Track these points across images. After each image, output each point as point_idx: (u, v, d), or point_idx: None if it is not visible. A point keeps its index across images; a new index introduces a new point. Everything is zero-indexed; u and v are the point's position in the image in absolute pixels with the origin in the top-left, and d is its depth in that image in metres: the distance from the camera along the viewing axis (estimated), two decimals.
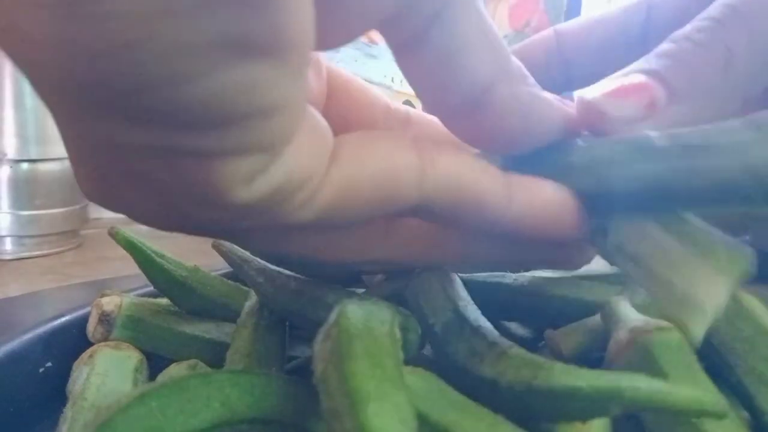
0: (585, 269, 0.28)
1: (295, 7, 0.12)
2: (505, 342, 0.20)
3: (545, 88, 0.19)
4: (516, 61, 0.18)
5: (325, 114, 0.18)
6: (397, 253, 0.21)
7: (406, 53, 0.17)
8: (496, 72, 0.17)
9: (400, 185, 0.17)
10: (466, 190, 0.18)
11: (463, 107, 0.18)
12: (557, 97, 0.20)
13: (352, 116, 0.22)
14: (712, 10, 0.21)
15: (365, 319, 0.18)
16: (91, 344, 0.27)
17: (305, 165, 0.15)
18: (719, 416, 0.16)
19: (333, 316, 0.18)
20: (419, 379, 0.19)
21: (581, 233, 0.20)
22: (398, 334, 0.18)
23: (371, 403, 0.15)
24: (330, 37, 0.15)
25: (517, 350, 0.19)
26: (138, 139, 0.13)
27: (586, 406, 0.16)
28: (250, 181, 0.14)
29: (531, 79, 0.19)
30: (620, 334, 0.21)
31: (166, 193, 0.15)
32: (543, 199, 0.19)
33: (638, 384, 0.15)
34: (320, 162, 0.16)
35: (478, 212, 0.18)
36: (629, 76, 0.20)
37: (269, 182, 0.15)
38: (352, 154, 0.16)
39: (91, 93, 0.12)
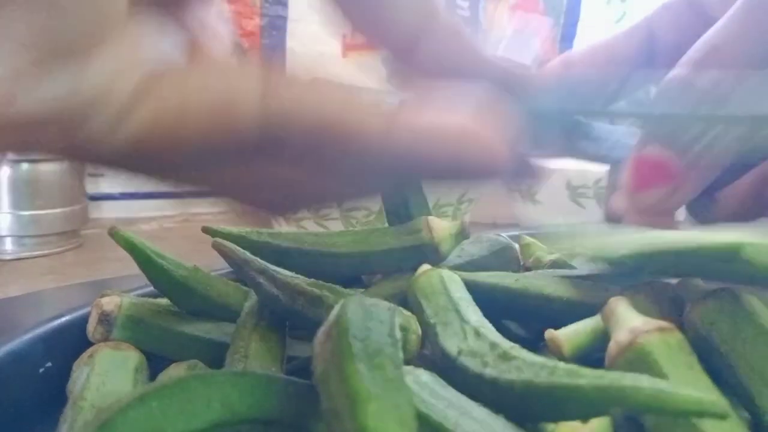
0: (586, 270, 0.28)
1: None
2: (505, 342, 0.20)
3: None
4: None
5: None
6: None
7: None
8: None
9: (234, 112, 0.15)
10: (322, 118, 0.15)
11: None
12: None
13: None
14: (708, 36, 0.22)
15: (365, 319, 0.18)
16: (91, 344, 0.27)
17: (99, 79, 0.14)
18: (720, 417, 0.16)
19: (333, 316, 0.18)
20: (419, 379, 0.19)
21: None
22: (398, 334, 0.18)
23: (371, 403, 0.15)
24: None
25: (518, 350, 0.19)
26: None
27: (587, 405, 0.16)
28: (35, 86, 0.13)
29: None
30: (620, 335, 0.21)
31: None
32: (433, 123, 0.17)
33: (639, 384, 0.15)
34: (122, 81, 0.14)
35: (342, 143, 0.16)
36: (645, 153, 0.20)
37: (55, 88, 0.13)
38: (178, 74, 0.15)
39: None
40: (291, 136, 0.15)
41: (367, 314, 0.18)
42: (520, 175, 0.23)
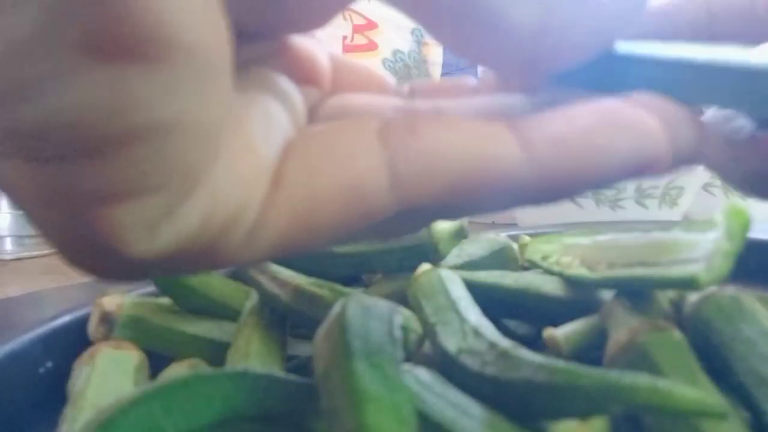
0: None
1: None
2: (505, 341, 0.20)
3: None
4: None
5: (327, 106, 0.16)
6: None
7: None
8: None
9: (366, 194, 0.13)
10: (459, 171, 0.13)
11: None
12: None
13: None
14: None
15: (365, 318, 0.18)
16: (91, 344, 0.27)
17: (232, 199, 0.12)
18: (720, 417, 0.16)
19: (333, 315, 0.18)
20: (419, 379, 0.19)
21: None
22: (398, 333, 0.18)
23: (371, 402, 0.15)
24: (306, 16, 0.12)
25: (517, 349, 0.19)
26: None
27: (587, 404, 0.16)
28: (153, 230, 0.11)
29: None
30: (619, 334, 0.21)
31: (63, 243, 0.12)
32: (575, 132, 0.13)
33: (639, 383, 0.16)
34: (254, 189, 0.12)
35: (482, 190, 0.13)
36: None
37: (181, 229, 0.11)
38: (298, 170, 0.13)
39: None
40: (427, 200, 0.13)
41: (366, 313, 0.18)
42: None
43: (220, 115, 0.11)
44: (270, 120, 0.14)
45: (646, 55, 0.15)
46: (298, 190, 0.13)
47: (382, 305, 0.19)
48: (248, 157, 0.12)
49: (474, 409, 0.18)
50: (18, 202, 0.12)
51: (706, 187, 0.69)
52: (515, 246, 0.32)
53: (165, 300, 0.30)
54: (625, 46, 0.16)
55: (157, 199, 0.11)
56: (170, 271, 0.13)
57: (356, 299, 0.19)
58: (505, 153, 0.13)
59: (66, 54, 0.09)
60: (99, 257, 0.12)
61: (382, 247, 0.30)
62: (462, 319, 0.22)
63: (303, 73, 0.17)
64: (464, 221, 0.31)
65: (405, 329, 0.20)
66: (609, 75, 0.15)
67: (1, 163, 0.11)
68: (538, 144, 0.13)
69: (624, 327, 0.21)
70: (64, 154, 0.10)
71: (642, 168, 0.14)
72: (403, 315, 0.21)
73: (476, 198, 0.13)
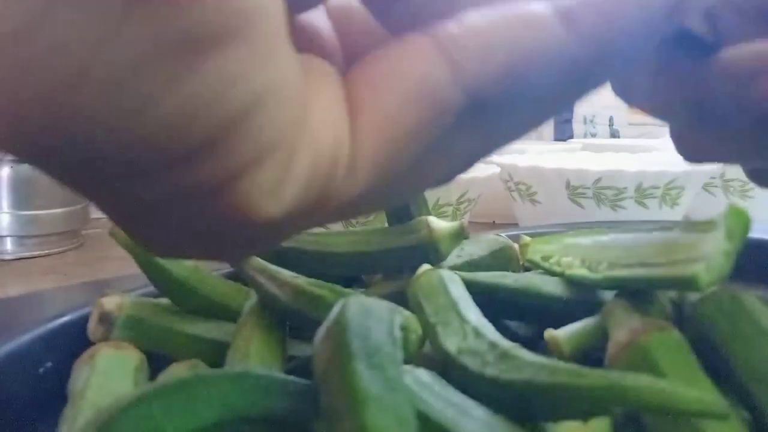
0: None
1: None
2: (505, 342, 0.20)
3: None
4: None
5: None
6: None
7: None
8: None
9: (437, 91, 0.13)
10: (509, 48, 0.14)
11: None
12: None
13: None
14: None
15: (365, 319, 0.18)
16: (91, 344, 0.27)
17: (327, 136, 0.13)
18: (721, 417, 0.16)
19: (333, 316, 0.18)
20: (419, 379, 0.19)
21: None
22: (398, 333, 0.18)
23: (371, 403, 0.15)
24: None
25: (518, 350, 0.19)
26: (134, 190, 0.11)
27: (588, 405, 0.16)
28: (277, 190, 0.12)
29: None
30: (620, 335, 0.21)
31: (203, 234, 0.13)
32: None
33: (640, 384, 0.16)
34: (341, 122, 0.13)
35: (535, 65, 0.14)
36: None
37: (299, 179, 0.12)
38: (367, 94, 0.14)
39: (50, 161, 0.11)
40: (487, 83, 0.14)
41: (366, 314, 0.18)
42: None
43: (297, 69, 0.12)
44: (319, 63, 0.14)
45: None
46: (375, 111, 0.13)
47: (382, 306, 0.19)
48: (324, 98, 0.13)
49: (474, 409, 0.18)
50: (134, 219, 0.13)
51: (706, 187, 0.70)
52: (516, 246, 0.32)
53: (165, 300, 0.30)
54: None
55: (274, 160, 0.12)
56: (295, 229, 0.14)
57: (356, 300, 0.19)
58: (546, 22, 0.14)
59: (172, 56, 0.10)
60: (235, 235, 0.13)
61: (382, 247, 0.30)
62: (462, 320, 0.22)
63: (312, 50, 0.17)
64: (464, 221, 0.31)
65: (405, 330, 0.20)
66: None
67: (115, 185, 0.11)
68: (581, 19, 0.14)
69: (625, 327, 0.21)
70: (187, 153, 0.11)
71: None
72: (402, 315, 0.21)
73: (530, 74, 0.14)
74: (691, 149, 0.23)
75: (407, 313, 0.22)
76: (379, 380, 0.16)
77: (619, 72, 0.18)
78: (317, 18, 0.18)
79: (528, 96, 0.15)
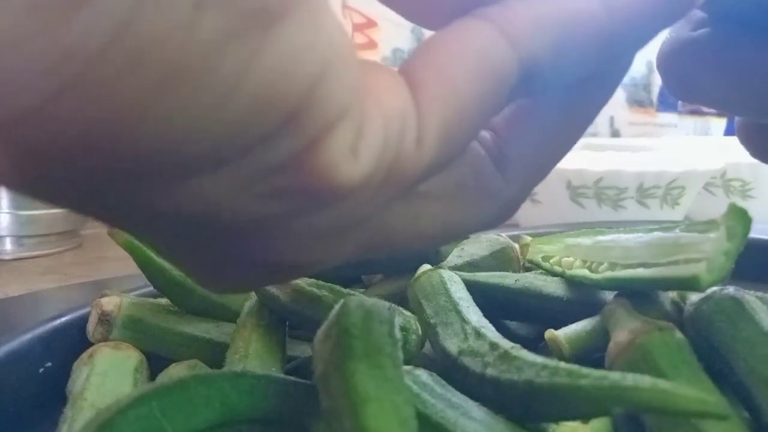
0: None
1: None
2: (506, 342, 0.20)
3: None
4: None
5: None
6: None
7: None
8: None
9: (497, 65, 0.14)
10: (557, 26, 0.15)
11: None
12: None
13: None
14: None
15: (365, 319, 0.18)
16: (91, 344, 0.27)
17: (393, 104, 0.13)
18: (721, 418, 0.16)
19: (333, 316, 0.18)
20: (419, 380, 0.19)
21: None
22: (398, 334, 0.18)
23: (371, 403, 0.15)
24: None
25: (518, 350, 0.19)
26: (218, 187, 0.12)
27: (589, 406, 0.16)
28: (354, 153, 0.12)
29: None
30: (620, 335, 0.21)
31: (288, 232, 0.13)
32: None
33: (641, 384, 0.15)
34: (403, 94, 0.14)
35: (578, 39, 0.15)
36: None
37: (373, 143, 0.13)
38: (428, 68, 0.14)
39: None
40: (541, 51, 0.15)
41: (367, 314, 0.18)
42: None
43: (347, 35, 0.12)
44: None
45: None
46: (440, 84, 0.14)
47: (382, 306, 0.19)
48: (383, 70, 0.14)
49: (474, 410, 0.18)
50: (223, 212, 0.12)
51: (707, 187, 0.69)
52: (516, 246, 0.32)
53: (164, 301, 0.30)
54: None
55: (347, 123, 0.12)
56: (371, 205, 0.14)
57: (356, 300, 0.19)
58: (587, 3, 0.16)
59: (246, 33, 0.10)
60: (317, 208, 0.13)
61: None
62: (463, 320, 0.22)
63: None
64: None
65: (405, 330, 0.20)
66: None
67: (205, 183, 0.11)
68: None
69: (625, 327, 0.21)
70: (270, 130, 0.11)
71: None
72: (403, 316, 0.21)
73: (574, 47, 0.16)
74: (761, 146, 0.23)
75: (407, 313, 0.22)
76: (379, 381, 0.16)
77: (675, 69, 0.18)
78: None
79: (573, 70, 0.16)
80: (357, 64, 0.13)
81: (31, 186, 0.11)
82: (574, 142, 0.18)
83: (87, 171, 0.11)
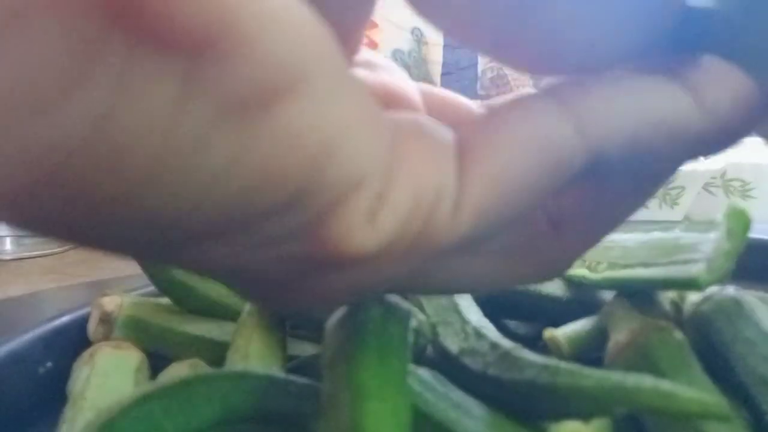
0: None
1: (291, 34, 0.09)
2: (507, 342, 0.20)
3: None
4: None
5: None
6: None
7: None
8: None
9: (557, 151, 0.13)
10: (637, 115, 0.14)
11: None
12: None
13: None
14: None
15: (384, 316, 0.18)
16: (91, 344, 0.27)
17: (429, 174, 0.13)
18: (722, 418, 0.16)
19: (352, 308, 0.18)
20: (422, 379, 0.19)
21: None
22: (411, 337, 0.18)
23: (372, 401, 0.15)
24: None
25: (519, 350, 0.19)
26: (225, 251, 0.11)
27: (590, 405, 0.16)
28: (372, 220, 0.12)
29: None
30: (619, 335, 0.21)
31: (294, 284, 0.13)
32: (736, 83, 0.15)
33: (642, 385, 0.16)
34: (446, 165, 0.13)
35: (660, 135, 0.14)
36: None
37: (395, 211, 0.12)
38: (484, 141, 0.13)
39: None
40: (611, 145, 0.14)
41: (386, 311, 0.18)
42: None
43: (368, 100, 0.12)
44: (425, 117, 0.14)
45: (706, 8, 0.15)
46: (492, 162, 0.13)
47: (402, 307, 0.19)
48: (428, 140, 0.13)
49: (475, 408, 0.18)
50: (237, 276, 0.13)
51: (706, 187, 0.69)
52: None
53: (165, 300, 0.30)
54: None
55: (364, 191, 0.12)
56: (391, 271, 0.13)
57: (379, 297, 0.19)
58: (675, 95, 0.14)
59: (237, 119, 0.09)
60: (330, 280, 0.13)
61: None
62: (463, 320, 0.22)
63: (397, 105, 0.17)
64: None
65: (417, 333, 0.20)
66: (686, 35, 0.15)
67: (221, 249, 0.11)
68: (708, 95, 0.14)
69: (625, 327, 0.21)
70: (270, 208, 0.11)
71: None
72: (417, 319, 0.20)
73: (654, 142, 0.14)
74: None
75: (422, 317, 0.22)
76: (384, 380, 0.16)
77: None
78: (407, 84, 0.18)
79: (646, 165, 0.15)
80: (381, 130, 0.12)
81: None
82: (633, 214, 0.17)
83: (84, 239, 0.11)
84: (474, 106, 0.18)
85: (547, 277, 0.18)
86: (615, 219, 0.17)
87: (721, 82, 0.14)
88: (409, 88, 0.18)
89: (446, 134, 0.14)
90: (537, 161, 0.13)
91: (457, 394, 0.19)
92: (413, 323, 0.19)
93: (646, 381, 0.16)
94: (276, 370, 0.24)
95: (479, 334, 0.21)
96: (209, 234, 0.11)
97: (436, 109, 0.18)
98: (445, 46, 0.94)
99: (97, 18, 0.08)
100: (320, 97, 0.10)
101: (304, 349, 0.27)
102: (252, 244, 0.11)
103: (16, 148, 0.08)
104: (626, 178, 0.16)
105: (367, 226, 0.12)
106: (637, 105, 0.14)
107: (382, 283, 0.14)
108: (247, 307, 0.28)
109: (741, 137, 0.15)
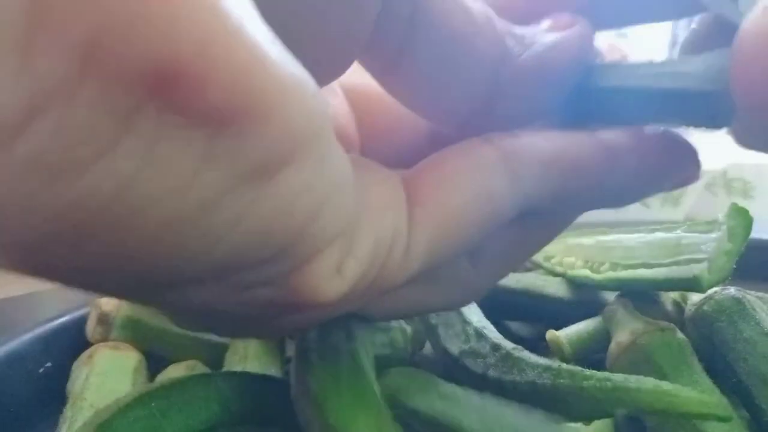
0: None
1: (303, 105, 0.10)
2: (508, 344, 0.20)
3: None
4: (500, 23, 0.16)
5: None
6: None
7: (394, 72, 0.16)
8: (497, 48, 0.15)
9: (495, 199, 0.15)
10: (563, 171, 0.16)
11: (473, 104, 0.16)
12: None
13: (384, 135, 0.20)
14: None
15: (321, 338, 0.18)
16: (90, 344, 0.27)
17: (387, 222, 0.14)
18: (724, 419, 0.16)
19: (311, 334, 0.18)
20: (407, 377, 0.19)
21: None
22: (366, 351, 0.18)
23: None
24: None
25: (520, 351, 0.19)
26: (205, 298, 0.12)
27: (591, 407, 0.16)
28: (338, 271, 0.13)
29: (520, 34, 0.16)
30: (621, 336, 0.21)
31: (262, 323, 0.14)
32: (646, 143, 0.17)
33: (644, 386, 0.15)
34: (400, 211, 0.14)
35: (585, 188, 0.16)
36: None
37: (359, 260, 0.13)
38: (432, 189, 0.15)
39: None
40: (542, 192, 0.16)
41: (324, 335, 0.18)
42: None
43: (348, 163, 0.12)
44: (375, 163, 0.15)
45: (610, 85, 0.17)
46: (437, 207, 0.15)
47: (340, 339, 0.19)
48: (382, 189, 0.14)
49: (462, 398, 0.18)
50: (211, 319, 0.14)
51: (708, 188, 0.69)
52: None
53: None
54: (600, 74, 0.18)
55: (336, 247, 0.13)
56: (345, 308, 0.15)
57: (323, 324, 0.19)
58: (598, 152, 0.16)
59: (246, 185, 0.10)
60: (300, 312, 0.14)
61: None
62: (464, 321, 0.22)
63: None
64: None
65: (393, 344, 0.20)
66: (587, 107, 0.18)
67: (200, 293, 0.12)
68: (619, 148, 0.16)
69: (627, 328, 0.21)
70: (258, 262, 0.11)
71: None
72: (390, 331, 0.21)
73: (582, 191, 0.16)
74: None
75: (397, 325, 0.22)
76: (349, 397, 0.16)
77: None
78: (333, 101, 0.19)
79: (567, 209, 0.17)
80: (355, 190, 0.13)
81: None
82: (544, 246, 0.19)
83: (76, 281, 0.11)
84: (380, 91, 0.19)
85: (463, 303, 0.20)
86: (525, 254, 0.19)
87: (636, 145, 0.17)
88: (345, 112, 0.19)
89: (396, 179, 0.15)
90: (475, 204, 0.15)
91: (444, 387, 0.18)
92: (380, 338, 0.19)
93: (647, 383, 0.15)
94: (274, 372, 0.24)
95: (480, 336, 0.21)
96: (196, 281, 0.12)
97: (356, 104, 0.19)
98: None
99: (137, 89, 0.08)
100: (317, 162, 0.11)
101: None
102: (231, 290, 0.12)
103: (45, 204, 0.09)
104: (543, 220, 0.17)
105: (336, 276, 0.13)
106: (561, 155, 0.16)
107: (339, 314, 0.15)
108: None
109: (648, 192, 0.18)
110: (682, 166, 0.18)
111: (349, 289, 0.13)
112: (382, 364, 0.19)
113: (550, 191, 0.16)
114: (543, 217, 0.17)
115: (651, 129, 0.17)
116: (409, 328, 0.23)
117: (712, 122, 0.16)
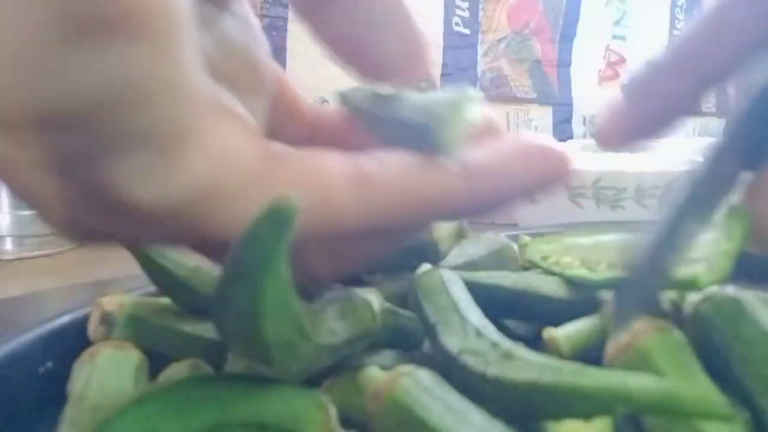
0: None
1: None
2: (507, 342, 0.20)
3: None
4: None
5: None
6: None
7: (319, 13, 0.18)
8: None
9: (337, 212, 0.16)
10: (413, 200, 0.17)
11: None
12: None
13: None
14: None
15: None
16: (91, 344, 0.27)
17: (228, 159, 0.14)
18: (724, 419, 0.16)
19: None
20: (418, 383, 0.19)
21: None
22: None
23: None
24: None
25: (520, 349, 0.19)
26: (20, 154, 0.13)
27: (592, 405, 0.16)
28: (145, 180, 0.13)
29: None
30: (619, 335, 0.21)
31: (71, 203, 0.15)
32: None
33: (644, 384, 0.16)
34: (248, 155, 0.15)
35: (433, 213, 0.18)
36: None
37: (179, 184, 0.13)
38: (281, 175, 0.15)
39: None
40: (386, 226, 0.17)
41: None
42: None
43: (197, 80, 0.13)
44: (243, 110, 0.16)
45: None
46: (272, 185, 0.15)
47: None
48: (240, 127, 0.15)
49: (473, 414, 0.18)
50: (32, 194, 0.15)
51: None
52: (515, 246, 0.32)
53: (165, 300, 0.30)
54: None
55: (150, 149, 0.13)
56: (174, 230, 0.15)
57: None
58: (444, 181, 0.17)
59: (73, 37, 0.11)
60: (112, 211, 0.14)
61: None
62: (463, 319, 0.22)
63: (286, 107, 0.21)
64: (464, 221, 0.31)
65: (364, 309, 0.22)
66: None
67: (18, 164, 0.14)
68: (475, 174, 0.17)
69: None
70: (65, 116, 0.12)
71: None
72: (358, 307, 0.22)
73: (423, 216, 0.17)
74: None
75: (362, 310, 0.23)
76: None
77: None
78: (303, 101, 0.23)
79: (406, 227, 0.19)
80: (189, 104, 0.13)
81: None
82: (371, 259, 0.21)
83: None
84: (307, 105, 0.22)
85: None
86: (358, 261, 0.21)
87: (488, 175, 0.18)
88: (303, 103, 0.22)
89: (257, 131, 0.16)
90: (316, 212, 0.15)
91: (456, 399, 0.18)
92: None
93: (648, 381, 0.16)
94: None
95: (479, 334, 0.21)
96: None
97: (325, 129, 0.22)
98: (444, 47, 0.94)
99: None
100: (152, 53, 0.12)
101: None
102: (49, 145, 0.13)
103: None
104: (379, 237, 0.19)
105: (146, 183, 0.13)
106: (417, 188, 0.17)
107: (176, 235, 0.16)
108: None
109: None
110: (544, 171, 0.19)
111: (167, 204, 0.13)
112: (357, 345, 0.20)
113: (401, 215, 0.17)
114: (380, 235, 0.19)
115: (511, 140, 0.19)
116: (376, 303, 0.23)
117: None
